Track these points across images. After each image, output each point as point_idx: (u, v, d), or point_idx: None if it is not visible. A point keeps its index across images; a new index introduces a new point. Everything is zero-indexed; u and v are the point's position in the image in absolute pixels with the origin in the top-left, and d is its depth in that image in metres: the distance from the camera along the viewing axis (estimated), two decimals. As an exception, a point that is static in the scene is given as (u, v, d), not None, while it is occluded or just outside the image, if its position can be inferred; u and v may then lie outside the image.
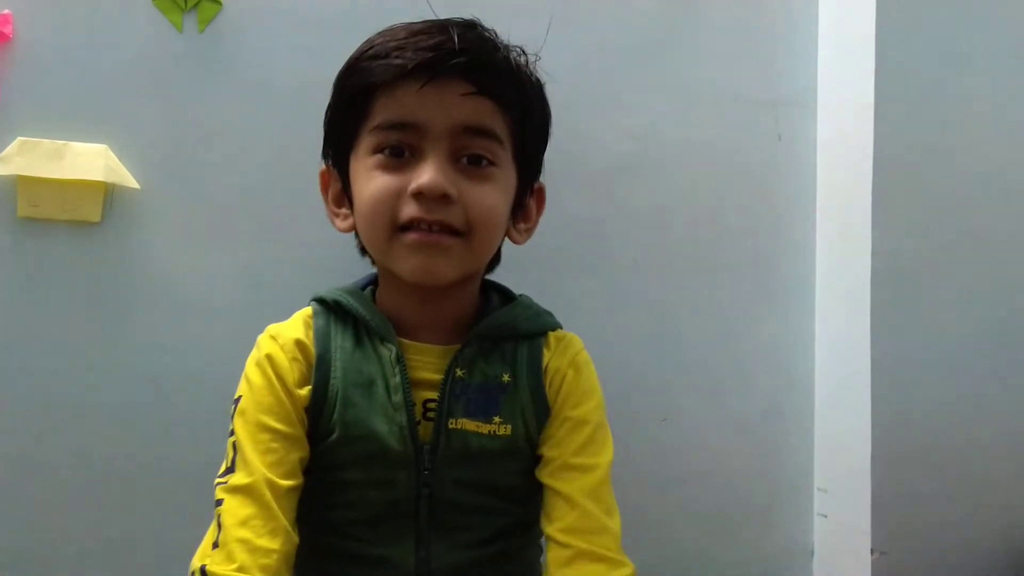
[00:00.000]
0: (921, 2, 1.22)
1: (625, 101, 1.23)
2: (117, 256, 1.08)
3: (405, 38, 0.84)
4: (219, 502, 0.81)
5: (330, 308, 0.90)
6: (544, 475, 0.88)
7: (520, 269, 1.16)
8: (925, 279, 1.22)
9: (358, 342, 0.88)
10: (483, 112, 0.85)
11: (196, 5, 1.09)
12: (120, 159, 1.07)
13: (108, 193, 1.07)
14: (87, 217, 1.06)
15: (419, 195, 0.82)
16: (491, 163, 0.86)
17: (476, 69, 0.83)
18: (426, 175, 0.82)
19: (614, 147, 1.22)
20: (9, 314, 1.06)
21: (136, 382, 1.08)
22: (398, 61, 0.82)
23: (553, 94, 1.18)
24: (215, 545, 0.79)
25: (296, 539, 0.82)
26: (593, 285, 1.21)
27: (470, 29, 0.86)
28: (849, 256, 1.22)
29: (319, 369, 0.86)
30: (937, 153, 1.23)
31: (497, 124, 0.86)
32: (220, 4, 1.09)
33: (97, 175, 1.05)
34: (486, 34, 0.87)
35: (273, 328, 0.90)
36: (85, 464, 1.07)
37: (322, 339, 0.88)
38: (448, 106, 0.83)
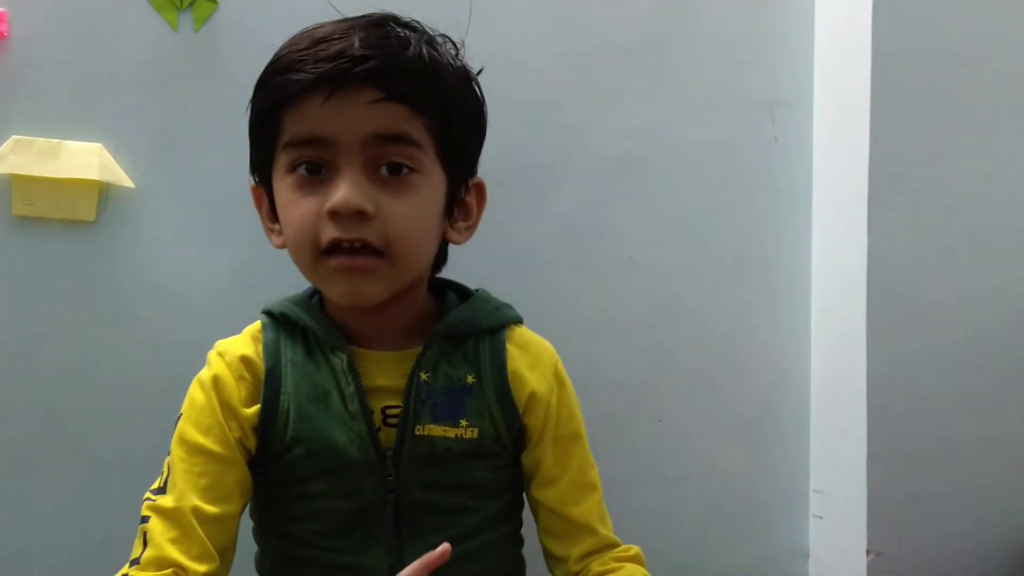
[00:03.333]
0: (918, 2, 1.22)
1: (621, 101, 1.23)
2: (112, 255, 1.08)
3: (307, 48, 0.80)
4: (144, 519, 0.81)
5: (278, 320, 0.88)
6: (549, 498, 0.90)
7: (516, 268, 1.16)
8: (921, 279, 1.22)
9: (309, 354, 0.86)
10: (395, 118, 0.80)
11: (192, 4, 1.08)
12: (115, 158, 1.07)
13: (103, 192, 1.07)
14: (82, 216, 1.06)
15: (334, 214, 0.79)
16: (412, 169, 0.82)
17: (382, 74, 0.79)
18: (339, 193, 0.79)
19: (610, 147, 1.22)
20: (3, 313, 1.05)
21: (131, 381, 1.08)
22: (299, 76, 0.79)
23: (549, 93, 1.20)
24: (136, 562, 0.79)
25: (227, 564, 0.82)
26: (589, 284, 1.21)
27: (377, 28, 0.81)
28: (845, 256, 1.22)
29: (268, 385, 0.85)
30: (933, 154, 1.22)
31: (413, 128, 0.81)
32: (216, 3, 1.09)
33: (92, 174, 1.04)
34: (397, 31, 0.82)
35: (221, 344, 0.89)
36: (80, 464, 1.07)
37: (272, 353, 0.86)
38: (355, 117, 0.79)
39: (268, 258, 1.10)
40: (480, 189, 0.92)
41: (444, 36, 0.87)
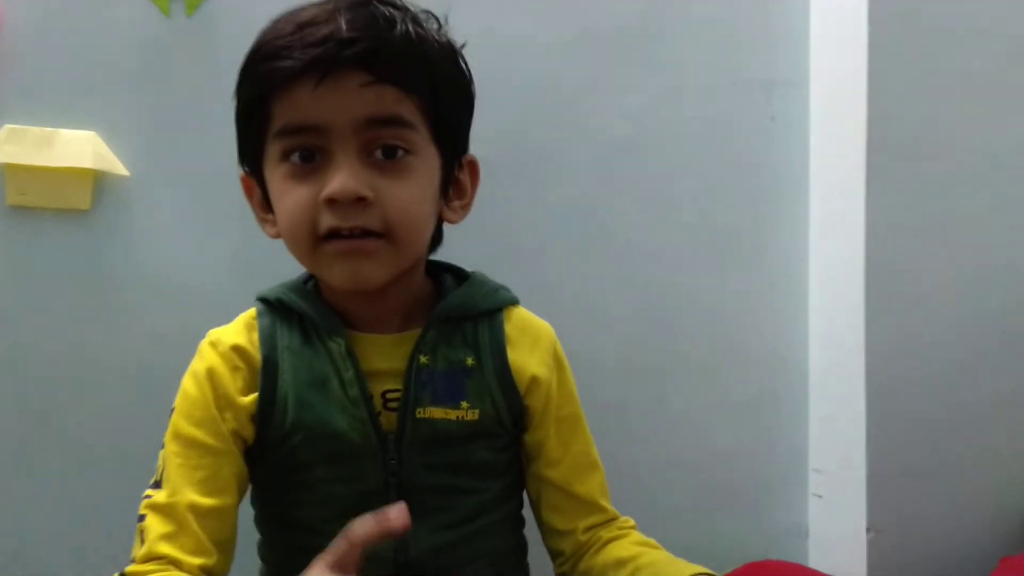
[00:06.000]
0: (914, -21, 1.22)
1: (618, 83, 1.23)
2: (107, 244, 1.07)
3: (292, 33, 0.78)
4: (141, 517, 0.80)
5: (274, 307, 0.87)
6: (554, 477, 0.90)
7: (513, 252, 1.16)
8: (918, 259, 1.22)
9: (306, 339, 0.85)
10: (386, 100, 0.79)
11: (183, -11, 1.08)
12: (109, 146, 1.06)
13: (97, 180, 1.07)
14: (76, 205, 1.06)
15: (332, 202, 0.78)
16: (407, 151, 0.81)
17: (371, 56, 0.77)
18: (336, 181, 0.77)
19: (608, 129, 1.22)
20: (-1, 303, 1.05)
21: (127, 370, 1.08)
22: (287, 63, 0.77)
23: (546, 75, 1.19)
24: (132, 561, 0.78)
25: (226, 557, 0.81)
26: (587, 267, 1.21)
27: (361, 8, 0.79)
28: (843, 236, 1.22)
29: (265, 373, 0.83)
30: (931, 132, 1.22)
31: (405, 109, 0.80)
32: (207, -12, 1.08)
33: (86, 162, 1.04)
34: (381, 10, 0.80)
35: (214, 334, 0.87)
36: (77, 453, 1.07)
37: (267, 340, 0.85)
38: (347, 101, 0.77)
39: (264, 245, 1.09)
40: (473, 166, 0.91)
41: (427, 12, 0.86)
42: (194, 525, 0.78)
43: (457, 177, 0.89)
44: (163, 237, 1.09)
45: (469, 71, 0.88)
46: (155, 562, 0.77)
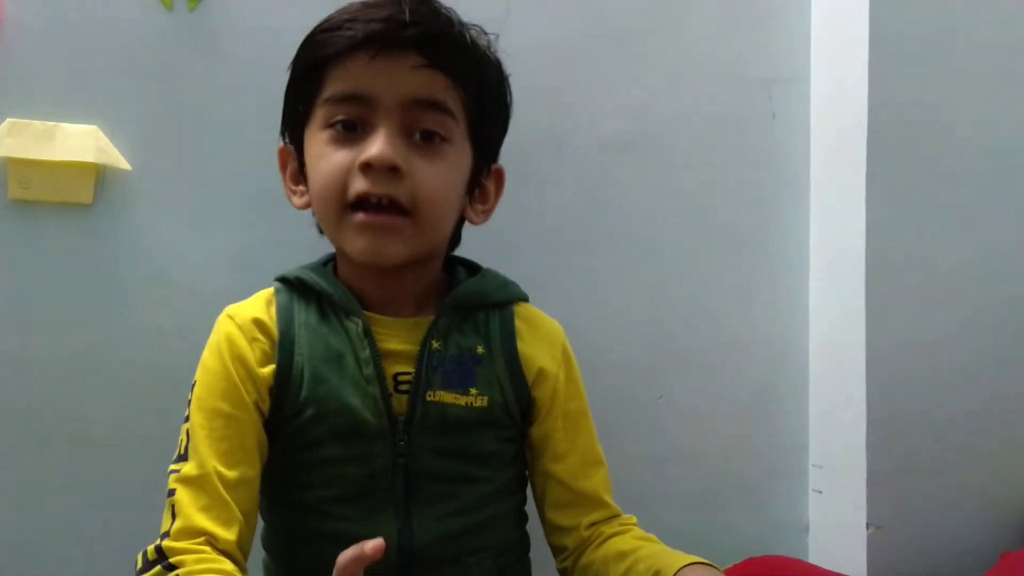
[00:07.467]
0: (915, -24, 1.22)
1: (618, 78, 1.23)
2: (109, 238, 1.07)
3: (357, 11, 0.85)
4: (171, 492, 0.81)
5: (292, 286, 0.90)
6: (559, 472, 0.92)
7: (515, 248, 1.16)
8: (919, 255, 1.22)
9: (323, 317, 0.87)
10: (435, 85, 0.84)
11: (185, -17, 1.08)
12: (111, 140, 1.06)
13: (99, 174, 1.07)
14: (78, 199, 1.06)
15: (367, 167, 0.82)
16: (444, 139, 0.86)
17: (428, 42, 0.83)
18: (375, 147, 0.82)
19: (607, 125, 1.22)
20: (0, 298, 1.05)
21: (129, 363, 1.08)
22: (349, 33, 0.83)
23: (546, 71, 1.19)
24: (166, 535, 0.78)
25: (251, 528, 0.83)
26: (587, 263, 1.21)
27: (424, 3, 0.86)
28: (843, 232, 1.22)
29: (282, 346, 0.85)
30: (932, 129, 1.22)
31: (450, 98, 0.85)
32: (210, -18, 1.08)
33: (88, 156, 1.04)
34: (441, 9, 0.87)
35: (231, 308, 0.89)
36: (79, 448, 1.07)
37: (285, 316, 0.87)
38: (399, 78, 0.83)
39: (266, 239, 1.10)
40: (499, 176, 0.96)
41: (479, 28, 0.90)
42: (225, 495, 0.80)
43: (483, 183, 0.93)
44: (165, 231, 1.09)
45: (511, 91, 0.93)
46: (191, 539, 0.77)
